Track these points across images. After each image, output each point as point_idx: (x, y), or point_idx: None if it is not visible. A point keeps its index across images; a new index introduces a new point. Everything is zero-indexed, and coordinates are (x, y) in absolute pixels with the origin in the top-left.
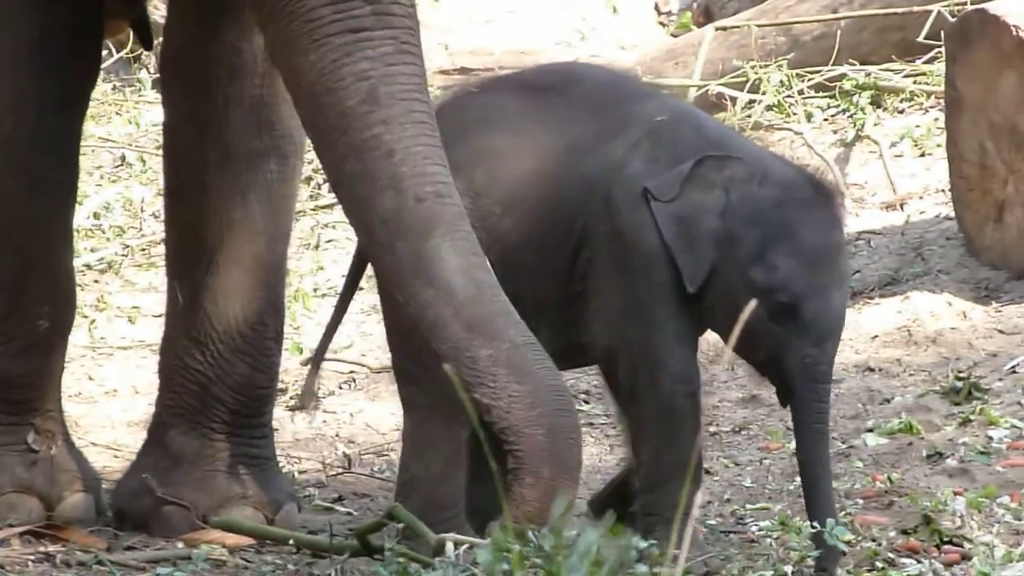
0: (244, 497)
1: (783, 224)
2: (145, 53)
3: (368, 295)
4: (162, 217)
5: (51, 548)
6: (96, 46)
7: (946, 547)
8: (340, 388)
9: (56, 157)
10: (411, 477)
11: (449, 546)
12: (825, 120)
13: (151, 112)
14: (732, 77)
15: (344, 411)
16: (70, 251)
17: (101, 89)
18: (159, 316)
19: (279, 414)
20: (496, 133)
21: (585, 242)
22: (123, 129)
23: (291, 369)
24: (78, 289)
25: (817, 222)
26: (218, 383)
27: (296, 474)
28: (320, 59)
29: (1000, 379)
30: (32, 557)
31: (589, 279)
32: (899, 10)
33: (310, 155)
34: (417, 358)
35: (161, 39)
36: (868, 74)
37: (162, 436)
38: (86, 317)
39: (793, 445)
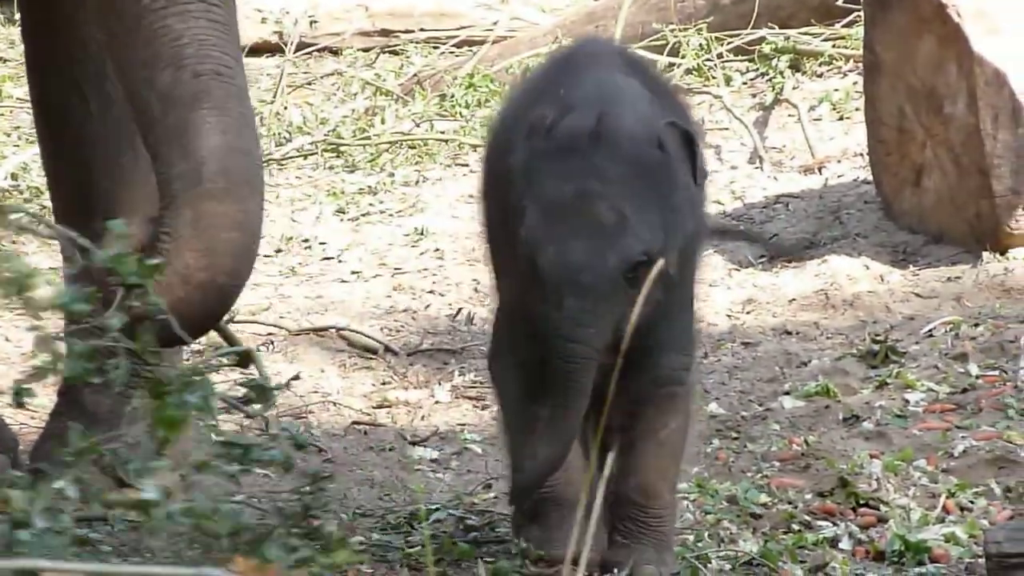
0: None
1: (533, 172)
2: None
3: (286, 257)
4: None
5: None
6: None
7: (862, 509)
8: (258, 350)
9: None
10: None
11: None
12: (744, 84)
13: None
14: (652, 40)
15: None
16: None
17: (20, 50)
18: None
19: None
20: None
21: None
22: None
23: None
24: None
25: (570, 169)
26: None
27: (213, 436)
28: None
29: (917, 343)
30: None
31: None
32: None
33: None
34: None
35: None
36: (787, 38)
37: (76, 395)
38: None
39: (710, 408)
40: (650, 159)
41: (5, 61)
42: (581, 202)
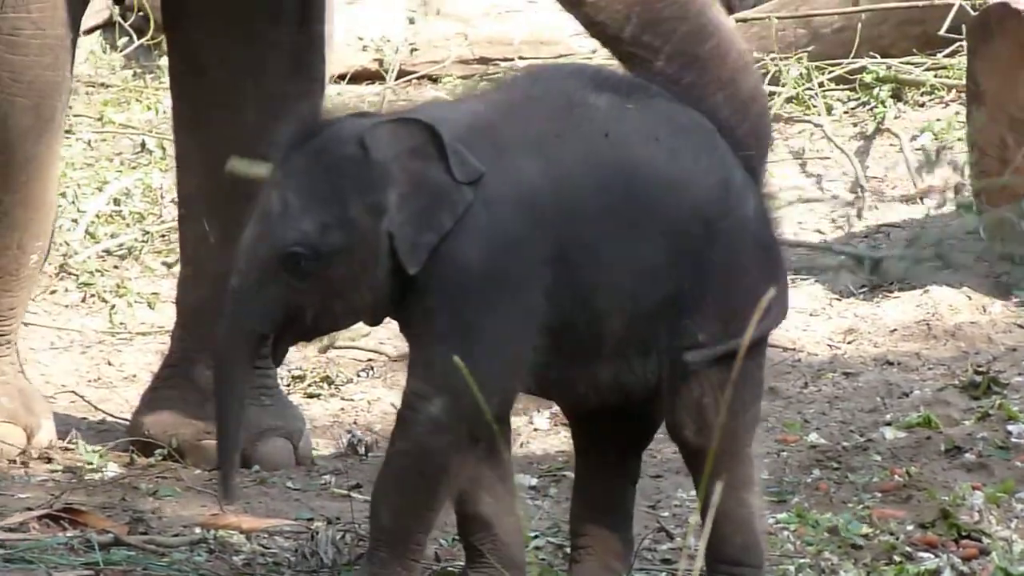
0: (276, 428)
1: None
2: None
3: None
4: None
5: (70, 533)
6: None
7: (964, 541)
8: (358, 376)
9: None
10: None
11: None
12: (845, 113)
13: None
14: None
15: (362, 398)
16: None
17: (121, 76)
18: None
19: (296, 400)
20: None
21: None
22: (143, 116)
23: (309, 356)
24: (98, 275)
25: (281, 159)
26: None
27: (313, 461)
28: None
29: (1019, 374)
30: (50, 540)
31: None
32: (920, 3)
33: None
34: None
35: None
36: (889, 67)
37: (188, 371)
38: (106, 302)
39: (811, 438)
40: (338, 155)
41: (107, 87)
42: (265, 190)
